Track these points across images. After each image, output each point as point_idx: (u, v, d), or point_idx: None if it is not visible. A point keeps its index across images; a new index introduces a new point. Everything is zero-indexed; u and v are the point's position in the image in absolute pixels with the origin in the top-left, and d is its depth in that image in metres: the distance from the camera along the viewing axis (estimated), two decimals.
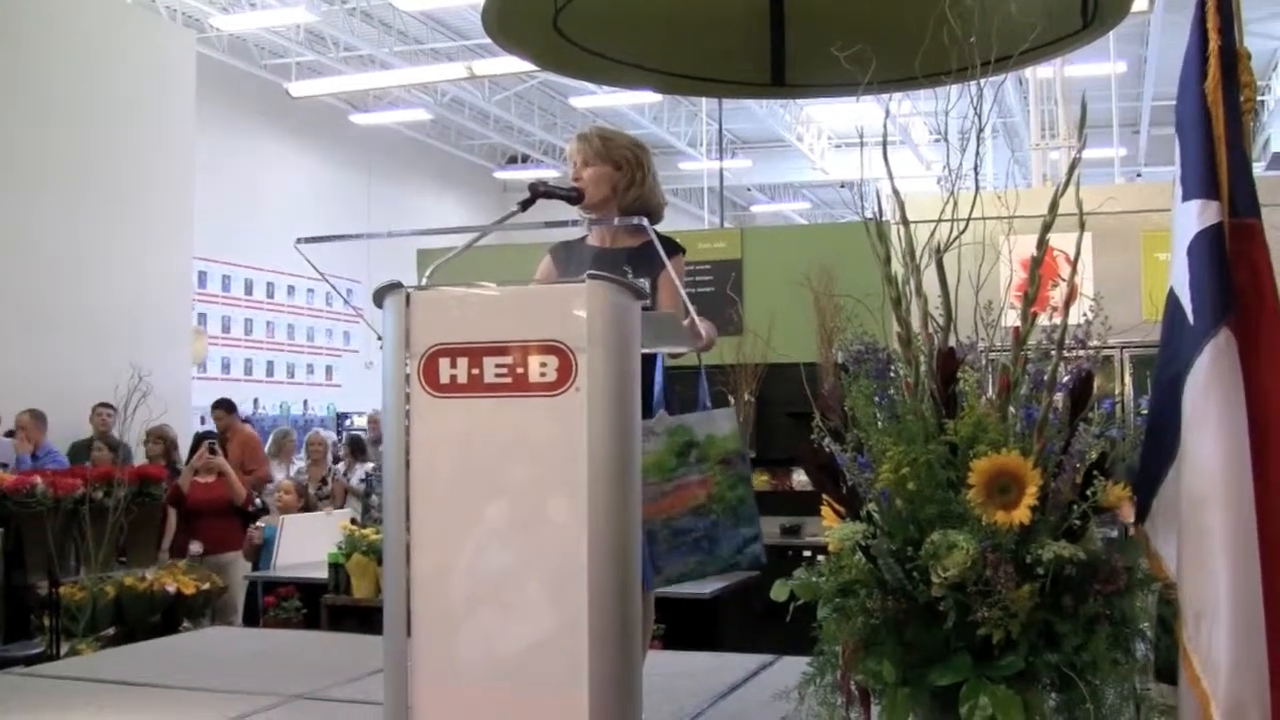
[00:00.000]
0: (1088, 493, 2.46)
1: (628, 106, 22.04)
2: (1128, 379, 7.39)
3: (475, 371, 2.76)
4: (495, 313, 2.84)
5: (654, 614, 4.02)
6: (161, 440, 9.30)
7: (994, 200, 2.76)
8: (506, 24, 4.81)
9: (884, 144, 2.89)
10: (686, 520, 3.55)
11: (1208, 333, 2.49)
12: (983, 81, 2.73)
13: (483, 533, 2.79)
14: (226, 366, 19.76)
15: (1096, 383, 2.61)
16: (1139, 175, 22.58)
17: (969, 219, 2.65)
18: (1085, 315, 2.67)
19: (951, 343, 2.66)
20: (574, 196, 3.88)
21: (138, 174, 11.27)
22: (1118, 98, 16.61)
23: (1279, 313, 2.56)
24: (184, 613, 7.59)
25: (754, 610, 6.41)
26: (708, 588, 5.93)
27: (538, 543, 2.76)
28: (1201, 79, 2.64)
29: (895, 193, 2.83)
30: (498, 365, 2.74)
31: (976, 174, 2.72)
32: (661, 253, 3.18)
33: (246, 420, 13.66)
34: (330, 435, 12.73)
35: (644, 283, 3.30)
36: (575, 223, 3.86)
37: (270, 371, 20.96)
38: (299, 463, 10.38)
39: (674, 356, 3.74)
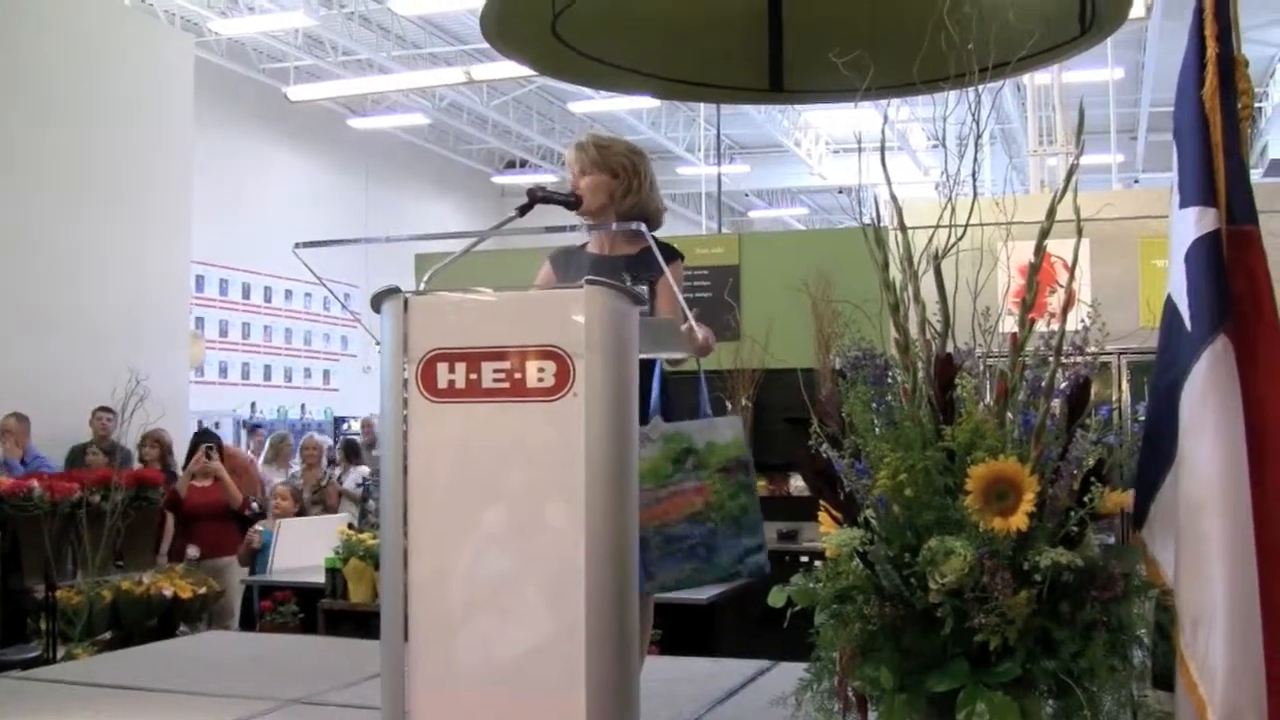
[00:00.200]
0: (1085, 499, 2.47)
1: (626, 111, 22.05)
2: (1125, 385, 7.39)
3: (473, 376, 2.76)
4: (493, 318, 2.84)
5: (653, 619, 4.02)
6: (158, 444, 9.30)
7: (992, 206, 2.77)
8: (505, 29, 4.81)
9: (882, 150, 2.89)
10: (681, 527, 3.54)
11: (1205, 339, 2.50)
12: (981, 88, 2.73)
13: (480, 538, 2.79)
14: (224, 371, 19.75)
15: (1094, 389, 2.61)
16: (1136, 181, 22.61)
17: (967, 225, 2.65)
18: (1083, 321, 2.67)
19: (949, 349, 2.66)
20: (572, 202, 3.88)
21: (136, 177, 11.27)
22: (1115, 104, 16.61)
23: (1276, 319, 2.56)
24: (181, 617, 7.59)
25: (751, 616, 6.40)
26: (705, 593, 5.92)
27: (535, 547, 2.76)
28: (1199, 86, 2.64)
29: (893, 198, 2.83)
30: (496, 370, 2.75)
31: (974, 180, 2.73)
32: (660, 258, 3.18)
33: (259, 426, 13.62)
34: (326, 439, 12.73)
35: (643, 289, 3.30)
36: (574, 228, 3.87)
37: (268, 376, 20.94)
38: (296, 467, 10.37)
39: (673, 363, 3.74)
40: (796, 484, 8.96)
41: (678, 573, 3.55)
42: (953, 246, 2.69)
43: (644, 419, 3.38)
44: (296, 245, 3.14)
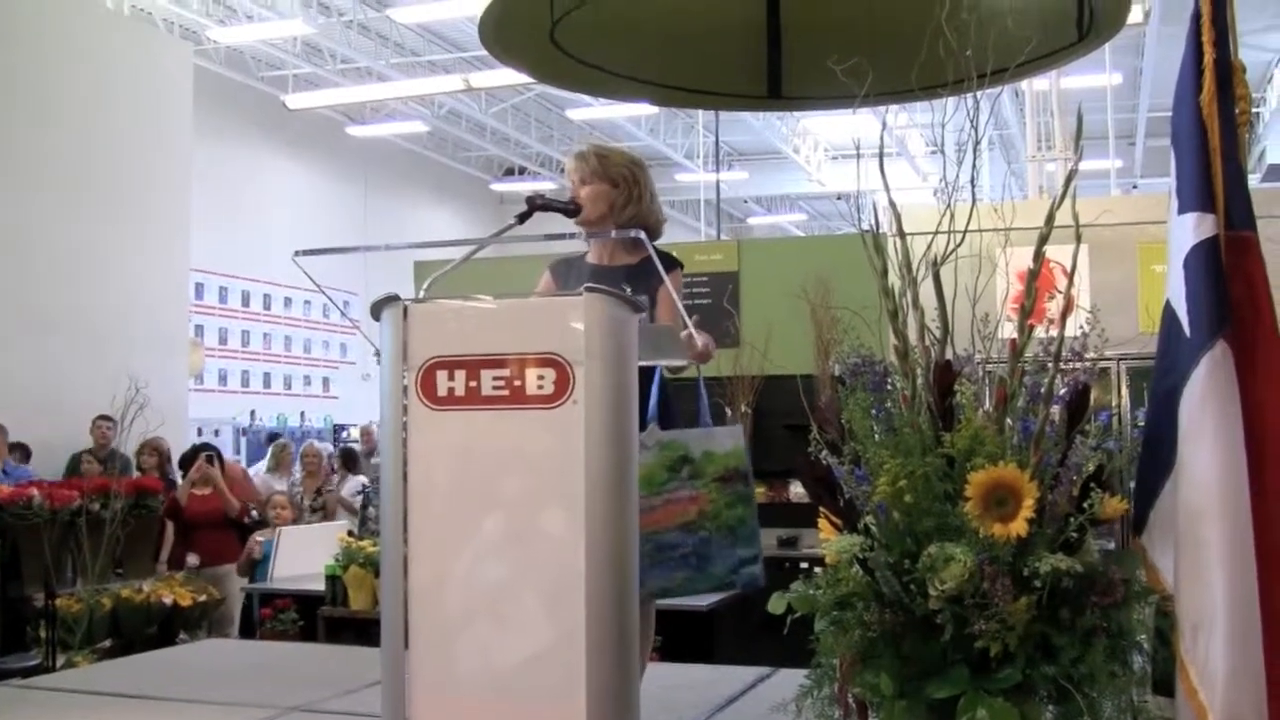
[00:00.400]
0: (1085, 505, 2.47)
1: (624, 118, 22.06)
2: (1124, 391, 7.39)
3: (473, 384, 2.77)
4: (493, 325, 2.84)
5: (654, 626, 4.01)
6: (156, 453, 9.29)
7: (990, 212, 2.77)
8: (503, 36, 4.82)
9: (881, 156, 2.90)
10: (673, 535, 3.53)
11: (1204, 345, 2.50)
12: (979, 94, 2.74)
13: (480, 544, 2.79)
14: (224, 378, 19.75)
15: (1093, 395, 2.61)
16: (1135, 187, 22.62)
17: (966, 231, 2.65)
18: (1082, 327, 2.67)
19: (948, 355, 2.67)
20: (571, 209, 3.89)
21: (135, 185, 11.27)
22: (1113, 109, 16.62)
23: (1275, 325, 2.57)
24: (180, 625, 7.58)
25: (752, 622, 6.40)
26: (706, 600, 5.92)
27: (535, 554, 2.76)
28: (1197, 92, 2.65)
29: (892, 205, 2.84)
30: (495, 378, 2.75)
31: (973, 186, 2.73)
32: (660, 267, 3.19)
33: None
34: (326, 447, 12.72)
35: (643, 298, 3.30)
36: (573, 236, 3.87)
37: (267, 383, 20.95)
38: (297, 474, 10.37)
39: (673, 370, 3.74)
40: (796, 490, 8.95)
41: (667, 580, 3.54)
42: (951, 252, 2.69)
43: (641, 426, 3.38)
44: (296, 253, 3.14)
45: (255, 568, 8.13)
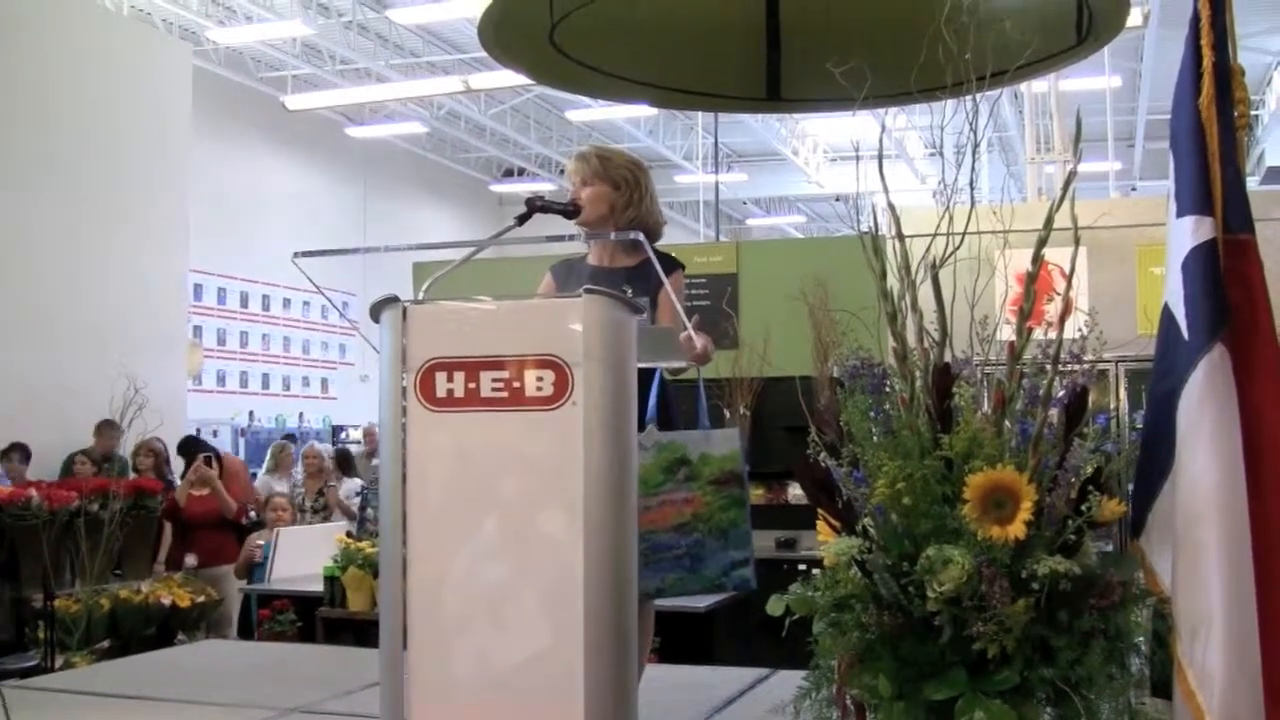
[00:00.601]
0: (1083, 508, 2.47)
1: (624, 120, 22.07)
2: (1123, 393, 7.39)
3: (472, 385, 2.77)
4: (492, 327, 2.84)
5: (653, 628, 4.01)
6: (152, 454, 9.27)
7: (989, 214, 2.77)
8: (503, 38, 4.82)
9: (880, 158, 2.90)
10: (667, 536, 3.54)
11: (1202, 348, 2.51)
12: (978, 96, 2.74)
13: (479, 546, 2.79)
14: (222, 379, 19.75)
15: (1091, 397, 2.62)
16: (1134, 189, 22.62)
17: (964, 233, 2.66)
18: (1080, 330, 2.67)
19: (947, 358, 2.67)
20: (571, 211, 3.89)
21: (134, 186, 11.27)
22: (1112, 112, 16.65)
23: (1273, 328, 2.57)
24: (179, 625, 7.58)
25: (750, 624, 6.40)
26: (703, 602, 5.92)
27: (534, 556, 2.76)
28: (1196, 95, 2.65)
29: (891, 207, 2.84)
30: (494, 379, 2.75)
31: (972, 188, 2.73)
32: (659, 270, 3.19)
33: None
34: (327, 447, 12.71)
35: (643, 300, 3.31)
36: (572, 237, 3.87)
37: (266, 384, 20.94)
38: (297, 475, 10.36)
39: (673, 372, 3.74)
40: (794, 492, 8.96)
41: (659, 581, 3.55)
42: (950, 255, 2.70)
43: (640, 427, 3.38)
44: (295, 254, 3.15)
45: (254, 569, 8.13)
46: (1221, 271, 2.57)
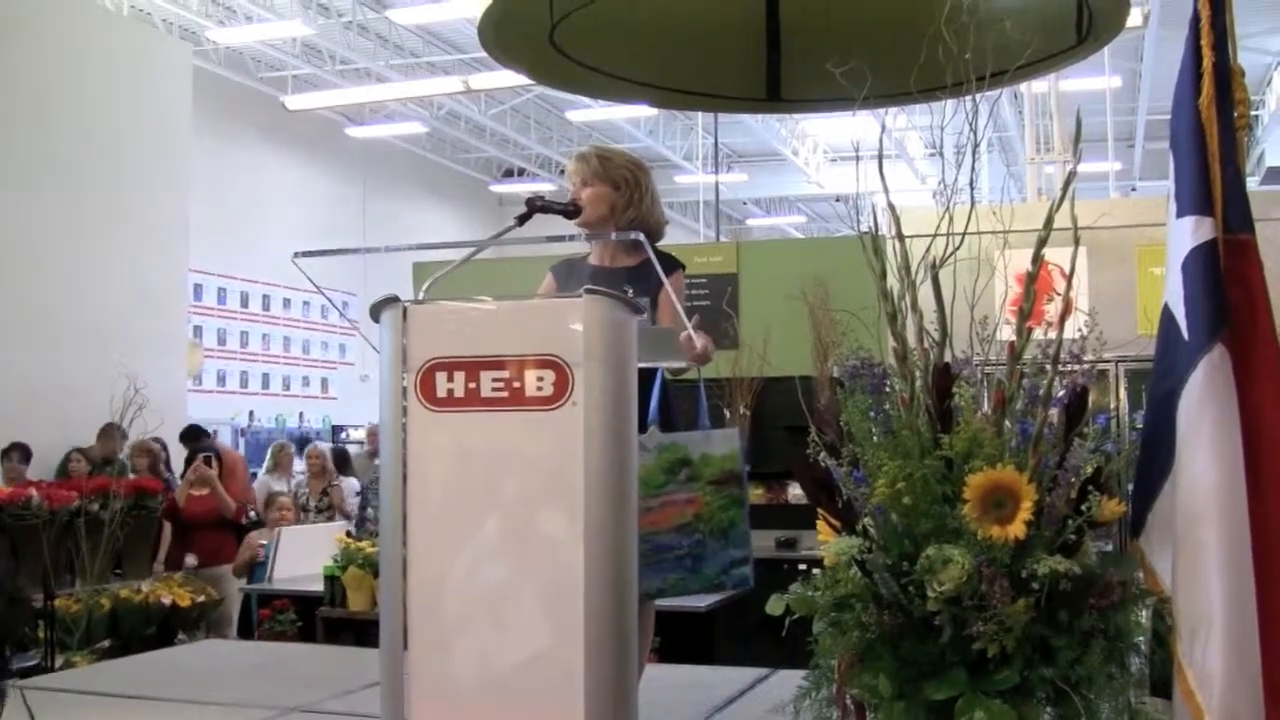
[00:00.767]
0: (1083, 507, 2.47)
1: (624, 120, 22.07)
2: (1123, 393, 7.39)
3: (472, 385, 2.77)
4: (492, 327, 2.85)
5: (653, 627, 4.02)
6: (147, 454, 9.25)
7: (989, 215, 2.77)
8: (503, 38, 4.82)
9: (880, 158, 2.90)
10: (669, 537, 3.54)
11: (1202, 348, 2.51)
12: (978, 96, 2.74)
13: (479, 546, 2.80)
14: (222, 379, 19.75)
15: (1091, 397, 2.62)
16: (1134, 189, 22.63)
17: (965, 233, 2.66)
18: (1080, 330, 2.67)
19: (947, 358, 2.67)
20: (571, 211, 3.89)
21: (134, 186, 11.27)
22: (1112, 112, 16.65)
23: (1273, 328, 2.57)
24: (179, 625, 7.58)
25: (750, 623, 6.40)
26: (703, 601, 5.92)
27: (534, 556, 2.76)
28: (1196, 95, 2.66)
29: (891, 207, 2.84)
30: (495, 379, 2.75)
31: (972, 188, 2.73)
32: (659, 270, 3.19)
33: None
34: (327, 447, 12.71)
35: (643, 300, 3.31)
36: (573, 238, 3.87)
37: (266, 384, 20.94)
38: (298, 475, 10.36)
39: (674, 372, 3.74)
40: (795, 492, 8.96)
41: (660, 581, 3.55)
42: (950, 255, 2.70)
43: (641, 428, 3.38)
44: (296, 254, 3.15)
45: (255, 568, 8.13)
46: (1221, 272, 2.57)
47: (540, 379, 2.72)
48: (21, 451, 9.47)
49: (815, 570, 2.71)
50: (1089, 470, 2.54)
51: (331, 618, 6.87)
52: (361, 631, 6.56)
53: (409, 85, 19.10)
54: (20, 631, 3.70)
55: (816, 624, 2.64)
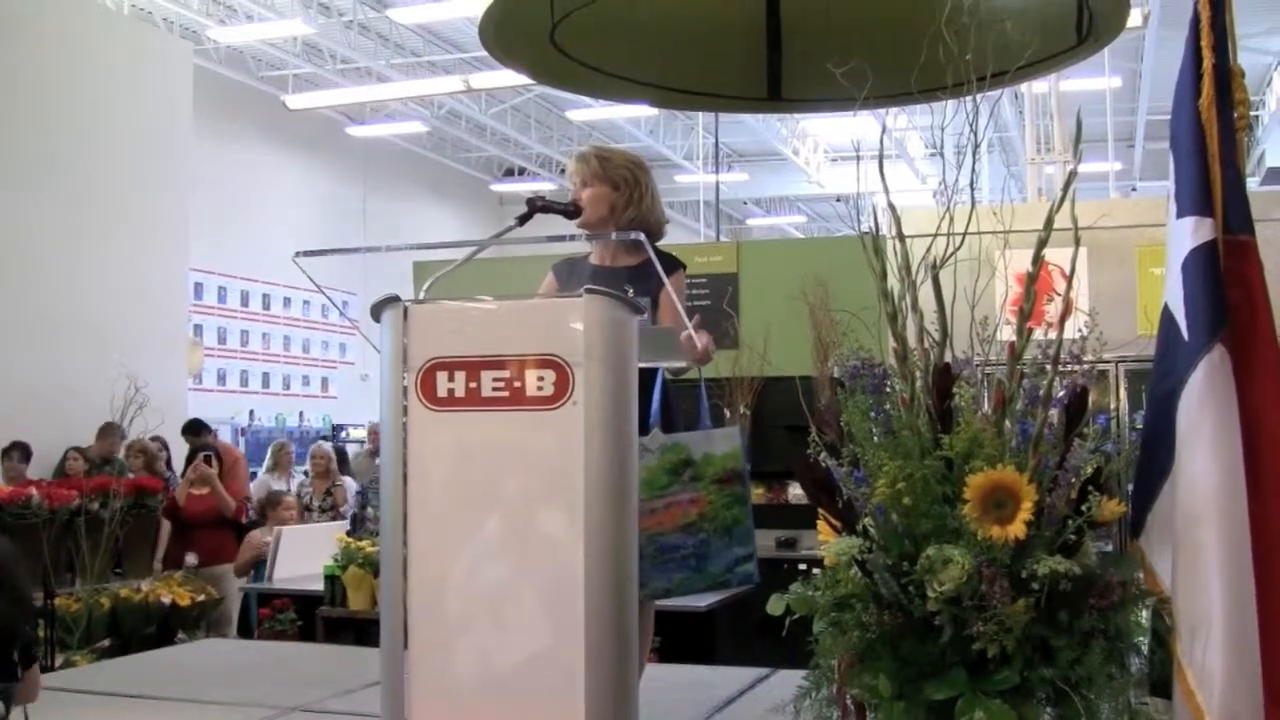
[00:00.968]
0: (1083, 508, 2.47)
1: (624, 119, 22.07)
2: (1123, 394, 7.39)
3: (473, 385, 2.77)
4: (492, 326, 2.85)
5: (653, 627, 4.02)
6: (142, 454, 9.25)
7: (989, 215, 2.77)
8: (504, 38, 4.83)
9: (880, 158, 2.90)
10: (675, 537, 3.55)
11: (1202, 349, 2.51)
12: (978, 97, 2.74)
13: (480, 546, 2.80)
14: (222, 378, 19.75)
15: (1092, 397, 2.62)
16: (1134, 190, 22.63)
17: (965, 233, 2.66)
18: (1080, 330, 2.67)
19: (947, 358, 2.67)
20: (571, 211, 3.89)
21: (134, 185, 11.27)
22: (1113, 112, 16.64)
23: (1272, 329, 2.57)
24: (179, 624, 7.59)
25: (750, 623, 6.40)
26: (704, 601, 5.92)
27: (534, 556, 2.76)
28: (1196, 96, 2.66)
29: (891, 207, 2.84)
30: (495, 379, 2.75)
31: (972, 189, 2.73)
32: (660, 270, 3.19)
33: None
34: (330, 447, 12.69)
35: (644, 300, 3.31)
36: (573, 238, 3.87)
37: (266, 383, 20.94)
38: (299, 475, 10.36)
39: (674, 372, 3.74)
40: (795, 492, 8.96)
41: (667, 581, 3.56)
42: (951, 255, 2.70)
43: (643, 429, 3.39)
44: (297, 254, 3.15)
45: (257, 566, 8.13)
46: (1221, 272, 2.57)
47: (541, 379, 2.72)
48: (22, 451, 9.47)
49: (815, 570, 2.71)
50: (1089, 470, 2.54)
51: (332, 617, 6.87)
52: (362, 631, 6.56)
53: (409, 84, 19.10)
54: (27, 633, 3.72)
55: (817, 624, 2.64)
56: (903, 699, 2.51)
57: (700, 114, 19.69)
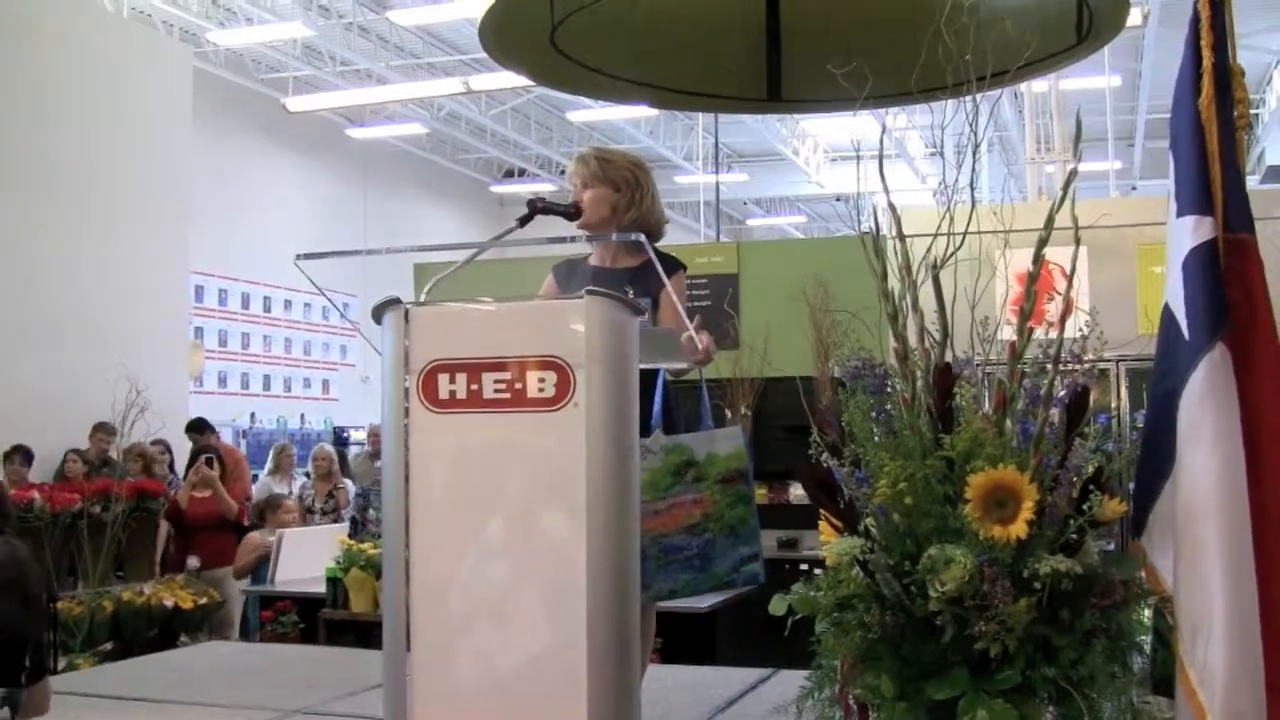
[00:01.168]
0: (1084, 507, 2.47)
1: (624, 120, 22.06)
2: (1124, 393, 7.39)
3: (474, 387, 2.77)
4: (494, 328, 2.85)
5: (655, 628, 4.02)
6: (140, 458, 9.25)
7: (990, 214, 2.77)
8: (504, 39, 4.83)
9: (880, 158, 2.90)
10: (679, 539, 3.55)
11: (1203, 348, 2.51)
12: (978, 96, 2.74)
13: (482, 548, 2.80)
14: (223, 380, 19.74)
15: (1092, 397, 2.62)
16: (1134, 189, 22.62)
17: (965, 233, 2.66)
18: (1081, 329, 2.68)
19: (948, 358, 2.67)
20: (572, 213, 3.89)
21: (135, 187, 11.28)
22: (1112, 111, 16.64)
23: (1273, 327, 2.57)
24: (181, 627, 7.59)
25: (752, 624, 6.40)
26: (706, 601, 5.92)
27: (536, 558, 2.76)
28: (1195, 95, 2.66)
29: (891, 207, 2.84)
30: (496, 381, 2.76)
31: (972, 188, 2.73)
32: (660, 271, 3.19)
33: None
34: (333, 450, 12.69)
35: (645, 301, 3.31)
36: (574, 239, 3.87)
37: (267, 386, 20.93)
38: (300, 477, 10.35)
39: (675, 373, 3.74)
40: (796, 492, 8.96)
41: (672, 583, 3.56)
42: (951, 255, 2.70)
43: (645, 431, 3.39)
44: (297, 257, 3.15)
45: (259, 567, 8.13)
46: (1222, 271, 2.57)
47: (542, 380, 2.72)
48: (23, 454, 9.47)
49: (817, 570, 2.71)
50: (1090, 470, 2.54)
51: (334, 619, 6.87)
52: (364, 633, 6.56)
53: (409, 86, 19.09)
54: (40, 638, 3.71)
55: (819, 624, 2.64)
56: (905, 699, 2.51)
57: (700, 114, 19.69)
